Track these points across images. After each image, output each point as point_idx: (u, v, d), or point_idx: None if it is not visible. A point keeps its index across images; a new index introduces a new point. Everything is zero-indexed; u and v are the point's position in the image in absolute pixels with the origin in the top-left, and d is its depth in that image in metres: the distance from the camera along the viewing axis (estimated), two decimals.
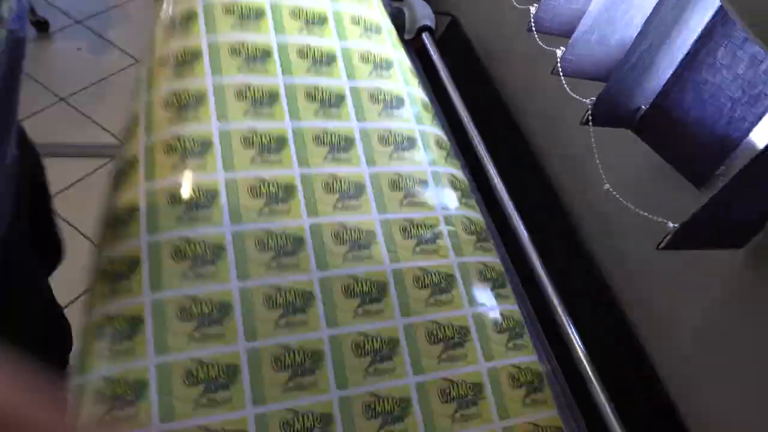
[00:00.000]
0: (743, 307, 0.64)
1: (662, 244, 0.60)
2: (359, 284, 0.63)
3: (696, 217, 0.56)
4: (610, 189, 0.67)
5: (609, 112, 0.72)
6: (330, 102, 0.71)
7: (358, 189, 0.67)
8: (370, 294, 0.63)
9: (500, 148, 0.97)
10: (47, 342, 0.86)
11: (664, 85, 0.69)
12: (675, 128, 0.68)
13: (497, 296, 0.69)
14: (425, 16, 1.17)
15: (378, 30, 0.79)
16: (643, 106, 0.72)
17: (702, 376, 0.68)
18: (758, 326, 0.62)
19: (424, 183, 0.71)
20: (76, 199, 1.62)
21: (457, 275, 0.67)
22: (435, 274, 0.66)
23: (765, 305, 0.62)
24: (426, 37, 1.14)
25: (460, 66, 1.11)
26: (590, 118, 0.72)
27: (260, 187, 0.63)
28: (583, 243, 0.86)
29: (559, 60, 0.78)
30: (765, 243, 0.62)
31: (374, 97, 0.74)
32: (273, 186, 0.64)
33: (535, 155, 0.98)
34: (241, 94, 0.67)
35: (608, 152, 0.74)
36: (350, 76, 0.73)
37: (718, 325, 0.66)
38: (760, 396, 0.61)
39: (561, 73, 0.78)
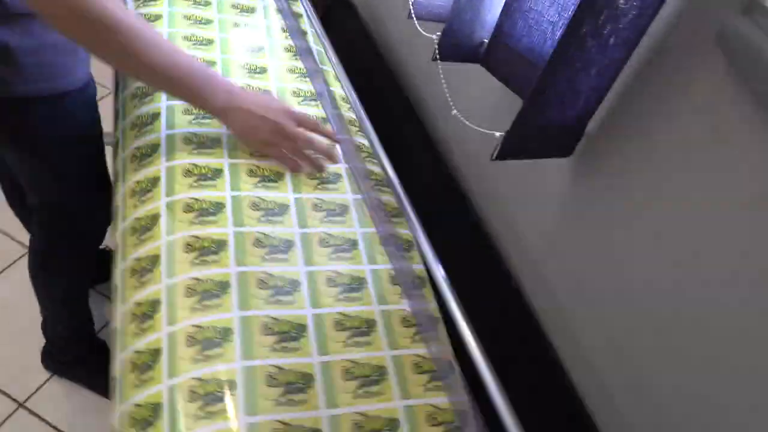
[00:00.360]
0: (576, 207, 0.71)
1: (494, 155, 0.67)
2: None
3: (515, 126, 0.63)
4: (457, 114, 0.74)
5: (454, 48, 0.78)
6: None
7: None
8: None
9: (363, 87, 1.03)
10: None
11: (498, 18, 0.76)
12: (511, 56, 0.75)
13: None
14: None
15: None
16: (485, 40, 0.79)
17: (545, 264, 0.76)
18: (587, 220, 0.70)
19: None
20: None
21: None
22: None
23: (590, 207, 0.69)
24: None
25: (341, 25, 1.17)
26: (437, 54, 0.78)
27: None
28: (451, 173, 0.93)
29: (411, 5, 0.84)
30: (587, 150, 0.69)
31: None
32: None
33: (407, 95, 1.05)
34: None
35: (457, 83, 0.81)
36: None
37: (558, 227, 0.73)
38: (586, 264, 0.70)
39: (414, 17, 0.83)
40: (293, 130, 0.80)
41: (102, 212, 1.06)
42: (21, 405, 1.21)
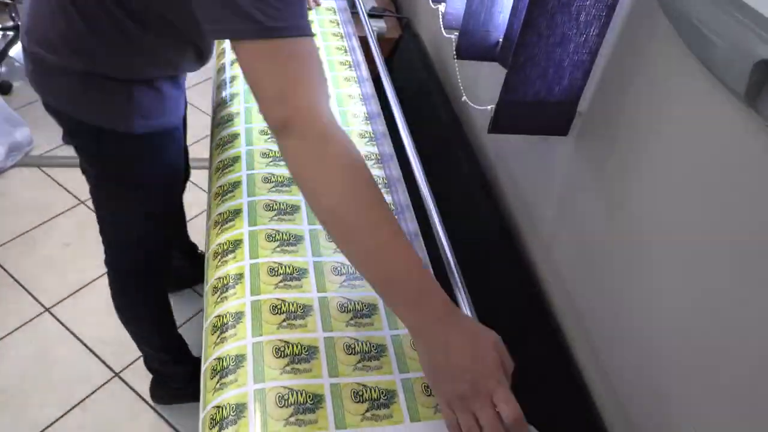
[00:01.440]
0: (574, 178, 0.77)
1: (489, 128, 0.75)
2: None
3: (502, 97, 0.72)
4: (466, 100, 0.84)
5: (472, 47, 0.89)
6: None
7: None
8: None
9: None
10: None
11: (509, 18, 0.85)
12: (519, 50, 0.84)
13: None
14: None
15: None
16: (500, 40, 0.89)
17: (555, 232, 0.81)
18: (584, 190, 0.76)
19: None
20: None
21: None
22: None
23: (587, 179, 0.75)
24: None
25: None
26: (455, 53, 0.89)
27: None
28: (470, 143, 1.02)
29: (441, 16, 0.96)
30: (583, 130, 0.75)
31: None
32: None
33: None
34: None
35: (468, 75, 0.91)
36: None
37: (564, 197, 0.79)
38: (585, 221, 0.74)
39: (443, 27, 0.96)
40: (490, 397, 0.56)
41: (170, 253, 1.13)
42: (116, 374, 1.40)
